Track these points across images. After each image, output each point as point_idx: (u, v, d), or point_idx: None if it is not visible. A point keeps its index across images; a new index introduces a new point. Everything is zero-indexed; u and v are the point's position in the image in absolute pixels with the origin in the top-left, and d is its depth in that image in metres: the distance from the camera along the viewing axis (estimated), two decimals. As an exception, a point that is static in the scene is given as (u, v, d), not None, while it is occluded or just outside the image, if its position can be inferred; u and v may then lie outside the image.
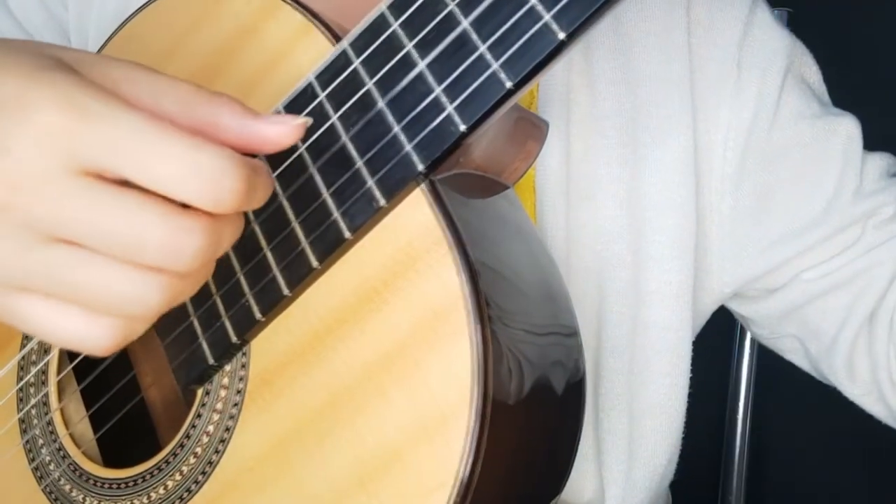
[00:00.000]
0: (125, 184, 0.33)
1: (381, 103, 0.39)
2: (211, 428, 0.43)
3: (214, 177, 0.33)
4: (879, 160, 0.58)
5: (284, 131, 0.36)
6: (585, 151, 0.56)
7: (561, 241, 0.56)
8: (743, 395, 1.06)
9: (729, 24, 0.57)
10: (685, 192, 0.57)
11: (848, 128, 0.57)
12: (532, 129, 0.46)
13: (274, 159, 0.41)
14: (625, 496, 0.61)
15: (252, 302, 0.41)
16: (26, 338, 0.52)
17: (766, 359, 1.06)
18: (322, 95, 0.40)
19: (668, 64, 0.56)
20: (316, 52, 0.42)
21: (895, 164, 0.59)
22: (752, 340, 1.06)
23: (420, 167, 0.38)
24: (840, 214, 0.56)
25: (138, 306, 0.34)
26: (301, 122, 0.36)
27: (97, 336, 0.35)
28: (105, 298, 0.34)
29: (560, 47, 0.35)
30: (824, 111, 0.58)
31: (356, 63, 0.40)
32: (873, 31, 1.04)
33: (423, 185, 0.38)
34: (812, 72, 0.60)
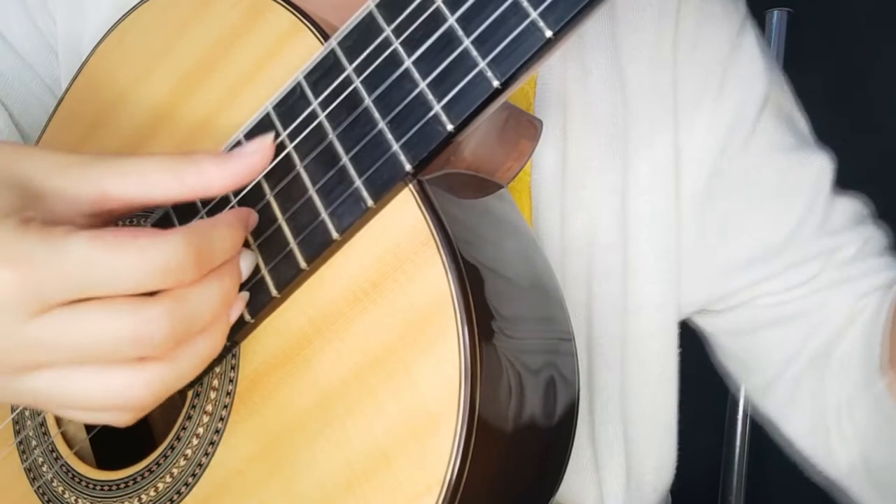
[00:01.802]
0: None
1: (367, 102, 0.38)
2: (201, 430, 0.43)
3: (168, 267, 0.35)
4: (849, 203, 0.58)
5: (260, 156, 0.40)
6: (581, 158, 0.56)
7: (556, 248, 0.56)
8: (743, 396, 1.06)
9: (715, 43, 0.57)
10: (667, 204, 0.56)
11: (820, 164, 0.57)
12: (525, 129, 0.46)
13: None
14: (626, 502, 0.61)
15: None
16: None
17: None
18: (310, 95, 0.40)
19: (656, 74, 0.56)
20: (305, 51, 0.42)
21: (863, 210, 0.58)
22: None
23: (408, 167, 0.37)
24: (801, 247, 0.56)
25: (131, 397, 0.37)
26: (269, 139, 0.40)
27: (109, 421, 0.38)
28: (96, 402, 0.37)
29: (547, 45, 0.35)
30: (799, 144, 0.57)
31: (344, 62, 0.39)
32: (873, 31, 1.03)
33: (411, 185, 0.38)
34: (789, 103, 0.59)
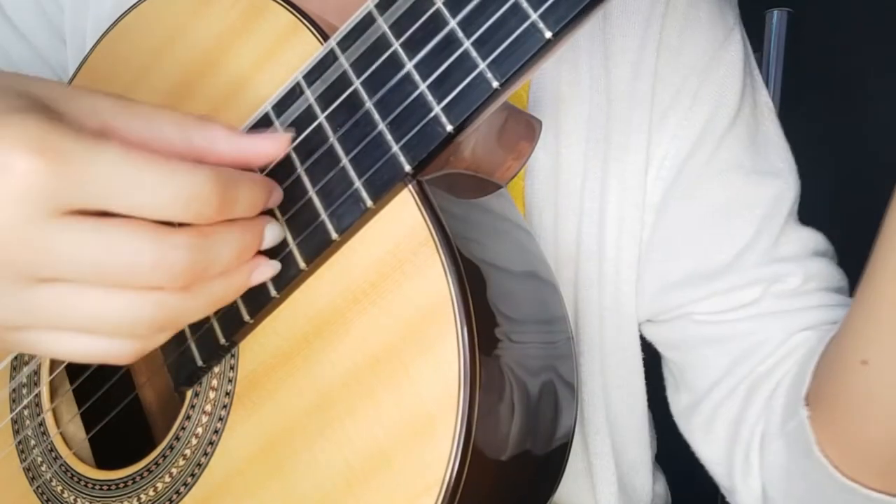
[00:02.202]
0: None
1: (368, 103, 0.38)
2: (200, 430, 0.43)
3: (193, 196, 0.34)
4: (808, 236, 0.56)
5: (271, 145, 0.39)
6: (571, 162, 0.56)
7: (550, 254, 0.56)
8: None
9: (696, 51, 0.56)
10: (636, 212, 0.56)
11: (777, 190, 0.56)
12: (524, 129, 0.46)
13: None
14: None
15: (240, 303, 0.41)
16: None
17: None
18: (310, 95, 0.40)
19: (637, 80, 0.56)
20: (304, 51, 0.42)
21: (822, 246, 0.57)
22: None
23: (407, 168, 0.37)
24: (744, 271, 0.55)
25: (143, 326, 0.36)
26: (287, 136, 0.39)
27: (114, 353, 0.37)
28: (107, 324, 0.35)
29: (547, 46, 0.35)
30: (759, 167, 0.56)
31: (343, 62, 0.39)
32: (873, 31, 1.03)
33: (410, 186, 0.38)
34: (764, 126, 0.58)
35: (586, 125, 0.55)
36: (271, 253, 0.40)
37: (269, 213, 0.40)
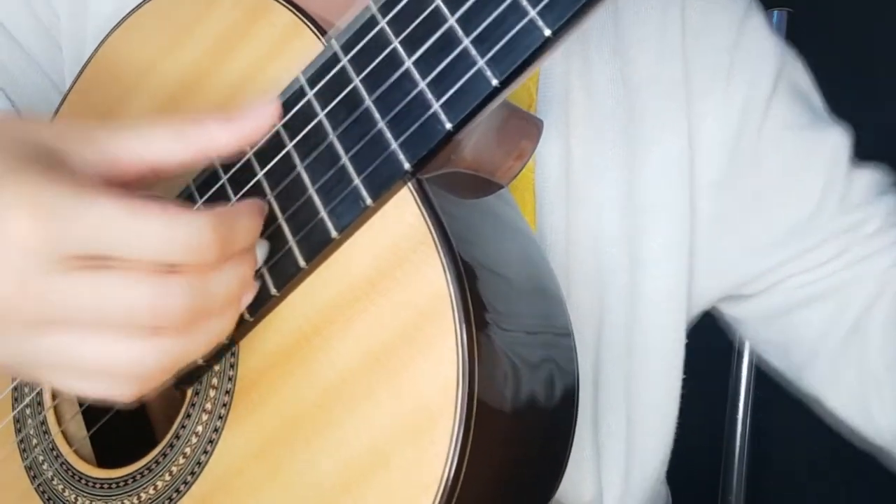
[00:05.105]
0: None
1: (367, 101, 0.38)
2: (200, 428, 0.43)
3: (194, 244, 0.35)
4: (868, 175, 0.58)
5: (264, 117, 0.40)
6: (585, 154, 0.56)
7: (561, 244, 0.56)
8: (743, 396, 1.06)
9: (721, 29, 0.57)
10: (680, 194, 0.56)
11: (836, 140, 0.57)
12: (526, 128, 0.46)
13: (261, 158, 0.41)
14: (623, 497, 0.61)
15: None
16: None
17: (768, 359, 1.05)
18: (310, 93, 0.40)
19: (663, 66, 0.56)
20: (305, 50, 0.42)
21: (884, 179, 0.58)
22: (753, 341, 1.05)
23: (406, 166, 0.37)
24: (824, 225, 0.56)
25: (143, 370, 0.36)
26: (274, 102, 0.40)
27: (115, 394, 0.37)
28: (107, 370, 0.36)
29: (546, 44, 0.35)
30: (813, 121, 0.57)
31: (344, 61, 0.39)
32: (873, 31, 1.03)
33: (410, 184, 0.38)
34: (803, 80, 0.59)
35: (602, 115, 0.55)
36: (271, 252, 0.40)
37: (269, 212, 0.40)
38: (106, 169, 0.37)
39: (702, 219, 0.57)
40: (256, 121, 0.39)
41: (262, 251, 0.40)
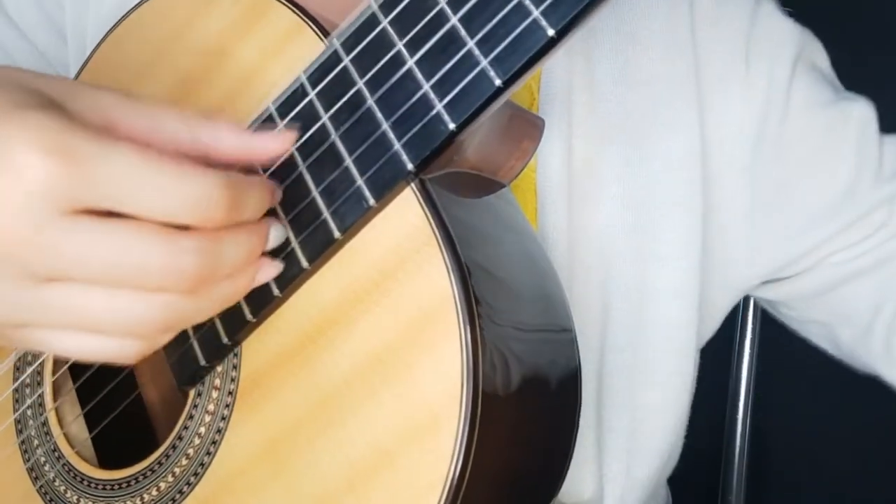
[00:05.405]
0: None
1: (370, 101, 0.38)
2: (202, 429, 0.43)
3: (202, 201, 0.34)
4: None
5: (276, 143, 0.39)
6: (587, 152, 0.56)
7: (563, 243, 0.56)
8: (743, 395, 1.06)
9: (735, 18, 0.57)
10: (692, 189, 0.56)
11: (862, 112, 0.57)
12: (528, 128, 0.46)
13: None
14: (623, 494, 0.61)
15: (243, 303, 0.41)
16: None
17: (767, 358, 1.05)
18: (312, 94, 0.40)
19: (672, 62, 0.56)
20: (308, 50, 0.42)
21: None
22: (753, 340, 1.05)
23: (409, 166, 0.37)
24: (862, 199, 0.56)
25: (148, 326, 0.36)
26: (291, 133, 0.39)
27: (118, 352, 0.37)
28: (112, 325, 0.35)
29: (550, 44, 0.35)
30: (837, 97, 0.57)
31: (346, 61, 0.39)
32: (873, 32, 1.03)
33: (413, 185, 0.38)
34: (822, 58, 0.59)
35: (605, 111, 0.55)
36: (273, 252, 0.40)
37: (270, 212, 0.40)
38: (99, 129, 0.35)
39: (729, 210, 0.57)
40: (268, 142, 0.39)
41: (276, 234, 0.40)
